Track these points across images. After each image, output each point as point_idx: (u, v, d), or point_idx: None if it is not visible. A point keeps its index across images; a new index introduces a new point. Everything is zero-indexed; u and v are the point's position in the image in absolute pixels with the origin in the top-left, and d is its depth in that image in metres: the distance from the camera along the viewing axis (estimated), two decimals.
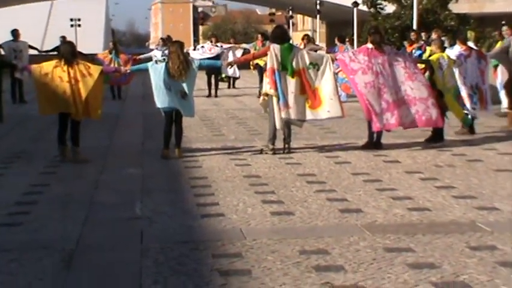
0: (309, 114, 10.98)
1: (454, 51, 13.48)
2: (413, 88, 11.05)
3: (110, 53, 21.54)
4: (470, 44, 15.73)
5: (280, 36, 11.30)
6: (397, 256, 5.64)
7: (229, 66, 19.88)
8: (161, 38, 23.99)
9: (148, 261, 5.63)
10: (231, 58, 21.10)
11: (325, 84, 10.96)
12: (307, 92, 10.94)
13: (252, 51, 20.34)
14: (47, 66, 10.28)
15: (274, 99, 10.87)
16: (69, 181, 9.07)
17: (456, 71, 12.32)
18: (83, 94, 10.20)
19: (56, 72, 10.20)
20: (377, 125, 11.00)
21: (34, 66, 10.46)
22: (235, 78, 25.19)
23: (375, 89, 11.01)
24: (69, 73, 10.19)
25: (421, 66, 12.53)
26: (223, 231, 6.56)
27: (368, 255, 5.68)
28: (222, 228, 6.69)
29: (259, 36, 23.66)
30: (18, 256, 5.83)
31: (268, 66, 11.03)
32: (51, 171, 9.74)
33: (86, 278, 5.35)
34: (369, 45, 11.48)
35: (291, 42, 11.73)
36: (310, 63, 11.06)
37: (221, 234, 6.44)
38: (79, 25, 63.53)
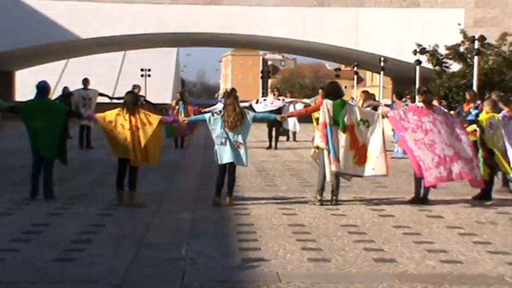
0: (355, 170, 11.37)
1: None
2: (460, 148, 11.34)
3: (177, 103, 22.30)
4: None
5: (333, 92, 11.74)
6: None
7: (285, 119, 20.30)
8: (226, 90, 24.59)
9: None
10: None
11: (373, 142, 11.37)
12: (355, 148, 11.34)
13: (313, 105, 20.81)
14: (110, 115, 10.98)
15: (325, 153, 11.29)
16: (123, 223, 9.62)
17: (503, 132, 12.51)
18: (142, 141, 10.83)
19: (119, 120, 10.88)
20: (428, 179, 11.24)
21: (99, 115, 11.17)
22: (295, 132, 25.69)
23: (425, 146, 11.31)
24: (130, 121, 10.85)
25: (471, 128, 12.82)
26: (260, 274, 6.97)
27: None
28: (260, 271, 7.09)
29: (320, 91, 24.14)
30: None
31: (321, 120, 11.47)
32: (108, 213, 10.31)
33: None
34: (419, 104, 11.85)
35: (343, 98, 12.14)
36: (361, 120, 11.48)
37: (258, 277, 6.85)
38: (149, 75, 65.36)
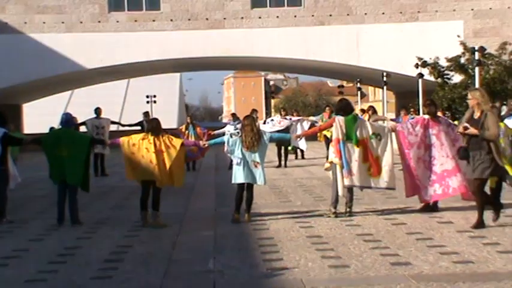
0: (370, 182, 11.91)
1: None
2: (457, 162, 11.85)
3: (187, 128, 22.91)
4: None
5: (344, 108, 12.27)
6: None
7: (298, 139, 20.87)
8: (232, 114, 25.62)
9: None
10: (299, 130, 22.22)
11: (385, 155, 11.92)
12: (369, 160, 11.86)
13: (320, 122, 21.37)
14: (135, 138, 11.60)
15: (338, 168, 11.81)
16: (150, 242, 10.12)
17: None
18: (167, 164, 11.39)
19: (143, 144, 11.47)
20: (425, 198, 11.88)
21: (122, 139, 11.73)
22: (303, 150, 26.24)
23: (425, 163, 11.91)
24: (155, 144, 11.44)
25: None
26: (285, 281, 7.47)
27: None
28: (285, 278, 7.59)
29: (327, 108, 24.73)
30: None
31: (334, 137, 12.03)
32: (134, 234, 10.82)
33: None
34: (425, 116, 12.38)
35: (354, 113, 12.61)
36: (373, 133, 12.02)
37: (284, 283, 7.36)
38: (154, 101, 65.91)
